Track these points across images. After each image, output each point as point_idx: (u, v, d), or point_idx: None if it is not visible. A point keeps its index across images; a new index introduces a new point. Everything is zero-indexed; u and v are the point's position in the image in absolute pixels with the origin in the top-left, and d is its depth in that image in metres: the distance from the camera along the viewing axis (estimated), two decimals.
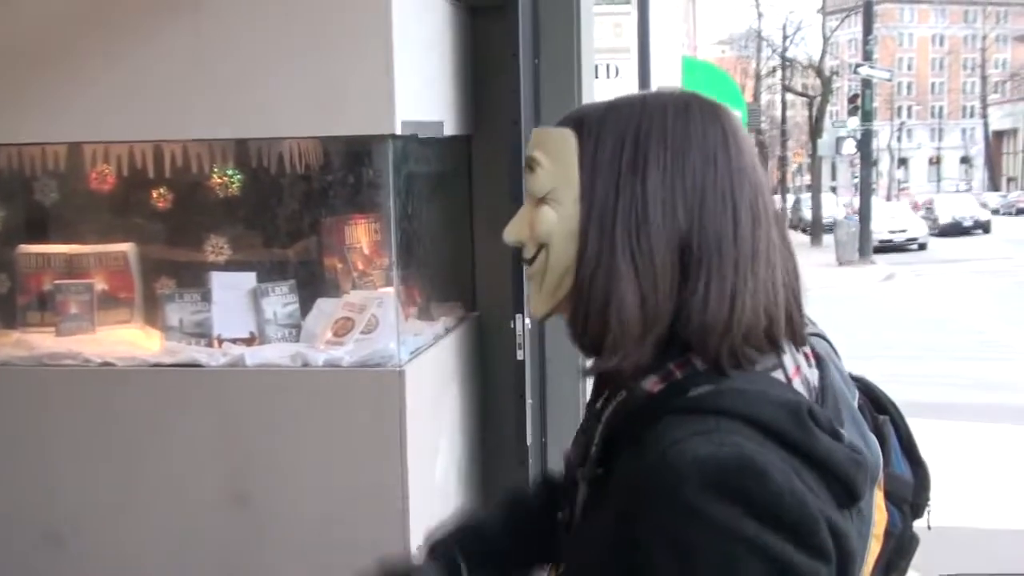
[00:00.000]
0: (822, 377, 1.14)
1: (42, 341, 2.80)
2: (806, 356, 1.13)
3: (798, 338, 1.12)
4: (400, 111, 2.50)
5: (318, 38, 2.51)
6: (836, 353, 1.23)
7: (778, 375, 1.08)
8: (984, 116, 64.32)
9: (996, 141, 63.16)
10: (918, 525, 1.26)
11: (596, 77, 5.43)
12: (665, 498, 0.97)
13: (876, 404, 1.28)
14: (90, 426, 2.67)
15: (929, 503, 1.28)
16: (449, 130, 2.99)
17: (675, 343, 1.07)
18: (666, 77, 15.04)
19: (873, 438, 1.19)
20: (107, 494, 2.68)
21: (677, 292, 1.06)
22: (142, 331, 2.92)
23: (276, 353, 2.70)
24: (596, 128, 1.10)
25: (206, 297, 2.80)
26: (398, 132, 2.52)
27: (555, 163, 1.12)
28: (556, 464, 3.13)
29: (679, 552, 0.97)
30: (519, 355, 2.97)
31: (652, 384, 1.08)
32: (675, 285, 1.06)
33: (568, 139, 1.11)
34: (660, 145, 1.07)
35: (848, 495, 1.03)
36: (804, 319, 1.13)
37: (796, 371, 1.10)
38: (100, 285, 2.92)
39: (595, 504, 1.12)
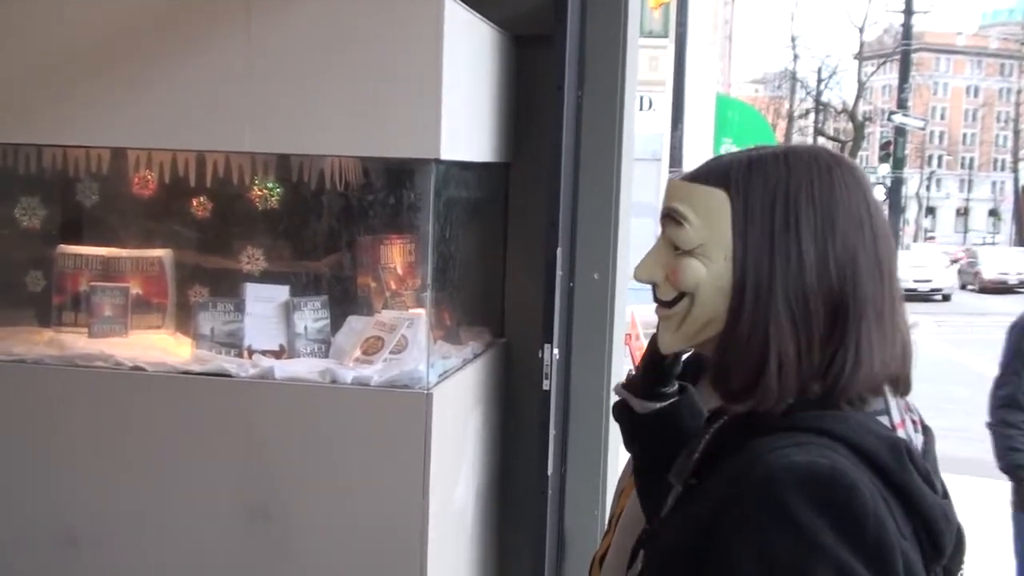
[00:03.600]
0: (926, 442, 1.18)
1: (75, 341, 2.82)
2: (913, 422, 1.18)
3: (905, 390, 1.18)
4: (445, 136, 2.51)
5: (368, 58, 2.53)
6: None
7: (884, 419, 1.13)
8: (1015, 170, 63.96)
9: None
10: None
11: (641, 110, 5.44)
12: (756, 495, 1.02)
13: None
14: (116, 429, 2.68)
15: (963, 567, 1.27)
16: (489, 157, 3.00)
17: None
18: (700, 112, 15.07)
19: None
20: (127, 500, 2.69)
21: (826, 344, 1.11)
22: (173, 338, 2.94)
23: (305, 368, 2.71)
24: (744, 188, 1.15)
25: (239, 307, 2.82)
26: (442, 157, 2.53)
27: (705, 221, 1.16)
28: (575, 497, 3.13)
29: (758, 548, 1.01)
30: (545, 385, 2.96)
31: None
32: (827, 341, 1.11)
33: (720, 199, 1.16)
34: (809, 206, 1.12)
35: (933, 546, 1.07)
36: (911, 374, 1.19)
37: (901, 424, 1.15)
38: (135, 289, 2.94)
39: (687, 503, 1.17)
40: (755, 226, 1.13)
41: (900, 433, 1.13)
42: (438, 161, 2.58)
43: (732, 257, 1.14)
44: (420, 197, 2.70)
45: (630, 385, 1.46)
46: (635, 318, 8.99)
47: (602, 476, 3.19)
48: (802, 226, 1.11)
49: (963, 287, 30.22)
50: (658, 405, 1.42)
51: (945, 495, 1.14)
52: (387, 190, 2.83)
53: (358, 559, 2.59)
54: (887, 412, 1.14)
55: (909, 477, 1.05)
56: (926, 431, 1.20)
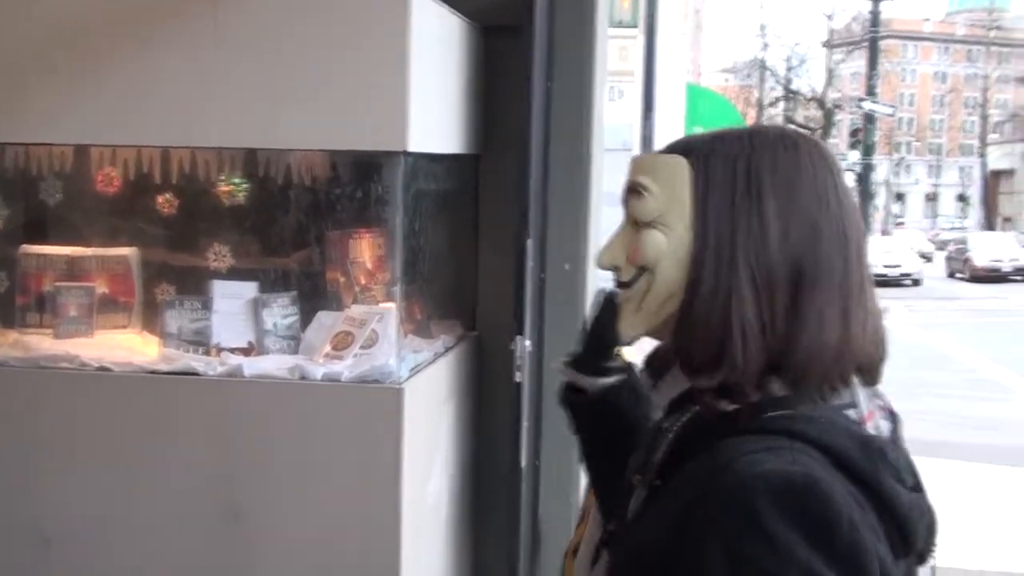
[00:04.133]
0: (894, 430, 1.16)
1: (40, 343, 2.78)
2: (881, 408, 1.16)
3: (873, 380, 1.15)
4: (413, 128, 2.49)
5: (335, 51, 2.51)
6: None
7: (851, 413, 1.11)
8: (983, 155, 64.55)
9: (994, 180, 63.31)
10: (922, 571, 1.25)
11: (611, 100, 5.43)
12: (727, 502, 1.00)
13: None
14: (84, 430, 2.65)
15: (934, 549, 1.27)
16: (458, 149, 2.98)
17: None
18: (670, 102, 15.08)
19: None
20: (97, 500, 2.65)
21: (789, 315, 1.08)
22: (140, 337, 2.91)
23: (274, 365, 2.68)
24: (706, 156, 1.13)
25: (206, 305, 2.79)
26: (410, 149, 2.51)
27: (665, 189, 1.14)
28: (548, 489, 3.12)
29: (730, 555, 0.99)
30: (517, 377, 2.95)
31: (727, 404, 1.10)
32: (790, 311, 1.08)
33: (680, 166, 1.14)
34: (771, 175, 1.10)
35: (904, 542, 1.05)
36: (883, 363, 1.17)
37: (870, 415, 1.12)
38: (100, 289, 2.90)
39: (652, 504, 1.14)
40: (715, 192, 1.11)
41: (869, 426, 1.11)
42: (406, 153, 2.56)
43: (691, 226, 1.12)
44: (388, 190, 2.68)
45: (576, 363, 1.43)
46: None
47: (575, 468, 3.17)
48: (764, 192, 1.10)
49: (951, 275, 29.48)
50: (609, 381, 1.40)
51: (917, 487, 1.13)
52: (355, 184, 2.81)
53: (331, 556, 2.57)
54: (855, 405, 1.12)
55: (882, 478, 1.04)
56: (893, 418, 1.18)
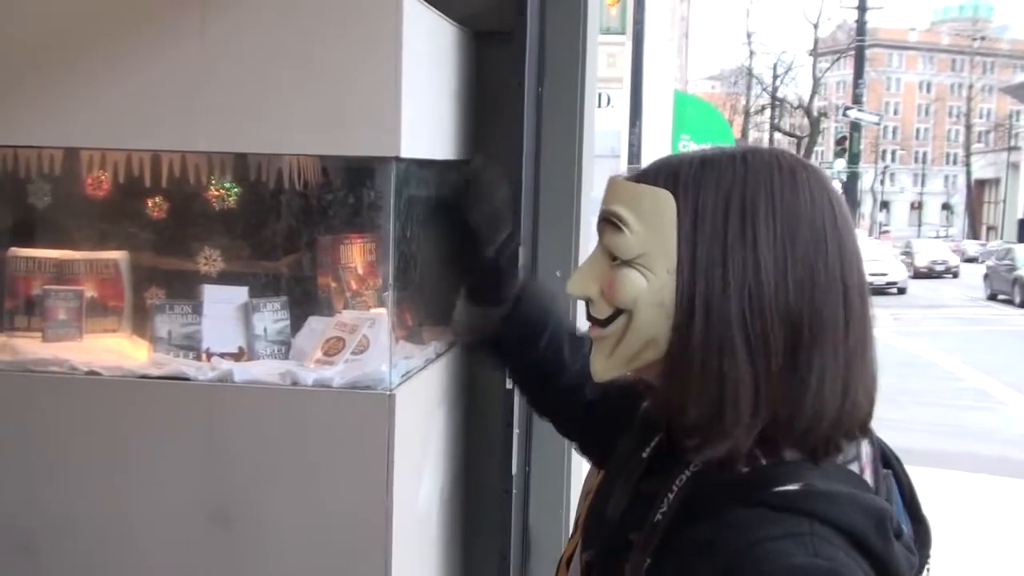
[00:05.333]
0: (896, 474, 1.12)
1: (28, 346, 2.76)
2: (874, 459, 1.11)
3: (867, 430, 1.09)
4: (406, 134, 2.48)
5: (326, 55, 2.50)
6: None
7: (854, 467, 1.04)
8: (967, 164, 64.95)
9: (978, 189, 63.70)
10: None
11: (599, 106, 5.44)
12: None
13: (882, 457, 1.27)
14: (73, 435, 2.63)
15: (929, 561, 1.27)
16: (450, 154, 2.98)
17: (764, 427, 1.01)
18: (658, 109, 15.13)
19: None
20: (86, 505, 2.63)
21: (785, 375, 0.98)
22: (130, 341, 2.89)
23: (265, 370, 2.67)
24: (694, 189, 1.01)
25: (197, 310, 2.77)
26: (403, 155, 2.50)
27: (648, 227, 1.02)
28: (539, 496, 3.12)
29: None
30: (508, 383, 2.95)
31: (736, 467, 1.01)
32: (788, 371, 0.98)
33: (666, 203, 1.02)
34: (768, 212, 0.99)
35: None
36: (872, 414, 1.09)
37: (868, 465, 1.06)
38: (90, 292, 2.88)
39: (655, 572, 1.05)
40: (705, 234, 0.99)
41: (867, 474, 1.06)
42: (398, 159, 2.56)
43: (676, 270, 1.00)
44: (380, 196, 2.67)
45: (471, 299, 1.45)
46: None
47: (567, 475, 3.18)
48: (759, 232, 0.98)
49: (992, 297, 28.83)
50: (502, 310, 1.39)
51: (920, 519, 1.10)
52: (347, 189, 2.80)
53: (321, 563, 2.55)
54: (858, 458, 1.05)
55: (891, 554, 0.98)
56: (893, 463, 1.13)
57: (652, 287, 1.02)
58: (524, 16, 2.91)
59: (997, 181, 62.08)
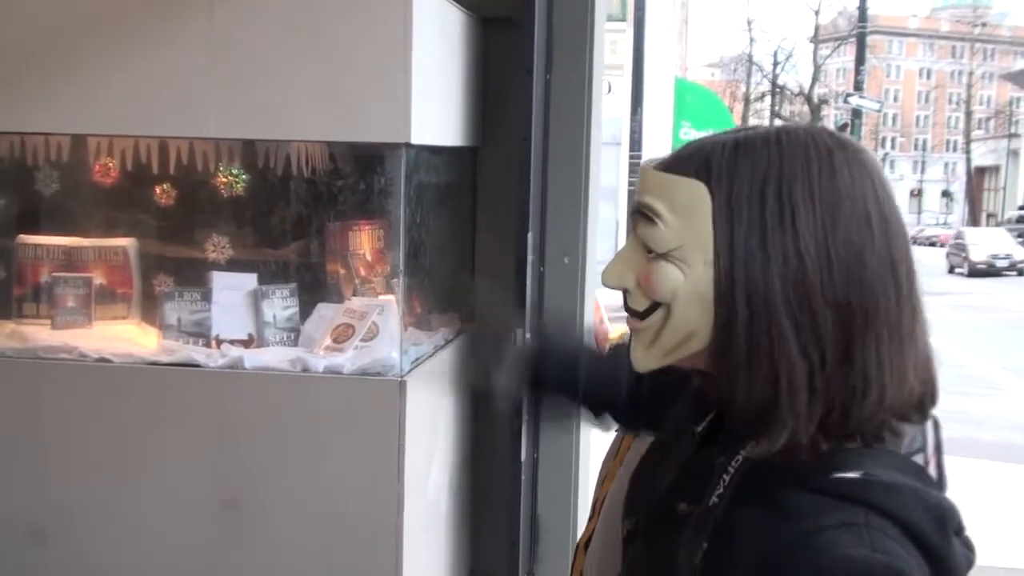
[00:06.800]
0: (936, 443, 1.09)
1: (37, 333, 2.76)
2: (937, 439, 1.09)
3: (927, 415, 1.05)
4: (415, 120, 2.48)
5: (336, 42, 2.49)
6: None
7: (919, 459, 1.02)
8: (967, 151, 64.84)
9: (978, 177, 63.59)
10: None
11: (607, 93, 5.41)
12: None
13: None
14: (83, 422, 2.63)
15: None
16: (459, 141, 2.98)
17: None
18: (659, 96, 15.10)
19: None
20: (95, 492, 2.64)
21: (845, 364, 0.95)
22: (139, 328, 2.89)
23: (275, 357, 2.67)
24: (728, 178, 0.97)
25: (206, 297, 2.77)
26: (413, 141, 2.50)
27: (682, 219, 0.99)
28: (548, 481, 3.12)
29: None
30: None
31: (793, 456, 0.98)
32: (841, 357, 0.95)
33: (700, 194, 0.98)
34: (807, 196, 0.95)
35: None
36: (936, 397, 1.05)
37: (933, 453, 1.04)
38: (99, 279, 2.88)
39: (715, 553, 1.01)
40: (741, 223, 0.96)
41: (931, 469, 1.03)
42: (408, 145, 2.55)
43: (714, 262, 0.97)
44: (390, 182, 2.67)
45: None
46: (599, 302, 9.00)
47: (574, 461, 3.18)
48: (799, 219, 0.94)
49: (951, 270, 28.87)
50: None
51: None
52: (356, 175, 2.80)
53: (332, 548, 2.56)
54: (923, 448, 1.03)
55: (951, 553, 0.95)
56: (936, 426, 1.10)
57: (689, 280, 0.99)
58: (532, 2, 2.90)
59: (997, 168, 61.97)
